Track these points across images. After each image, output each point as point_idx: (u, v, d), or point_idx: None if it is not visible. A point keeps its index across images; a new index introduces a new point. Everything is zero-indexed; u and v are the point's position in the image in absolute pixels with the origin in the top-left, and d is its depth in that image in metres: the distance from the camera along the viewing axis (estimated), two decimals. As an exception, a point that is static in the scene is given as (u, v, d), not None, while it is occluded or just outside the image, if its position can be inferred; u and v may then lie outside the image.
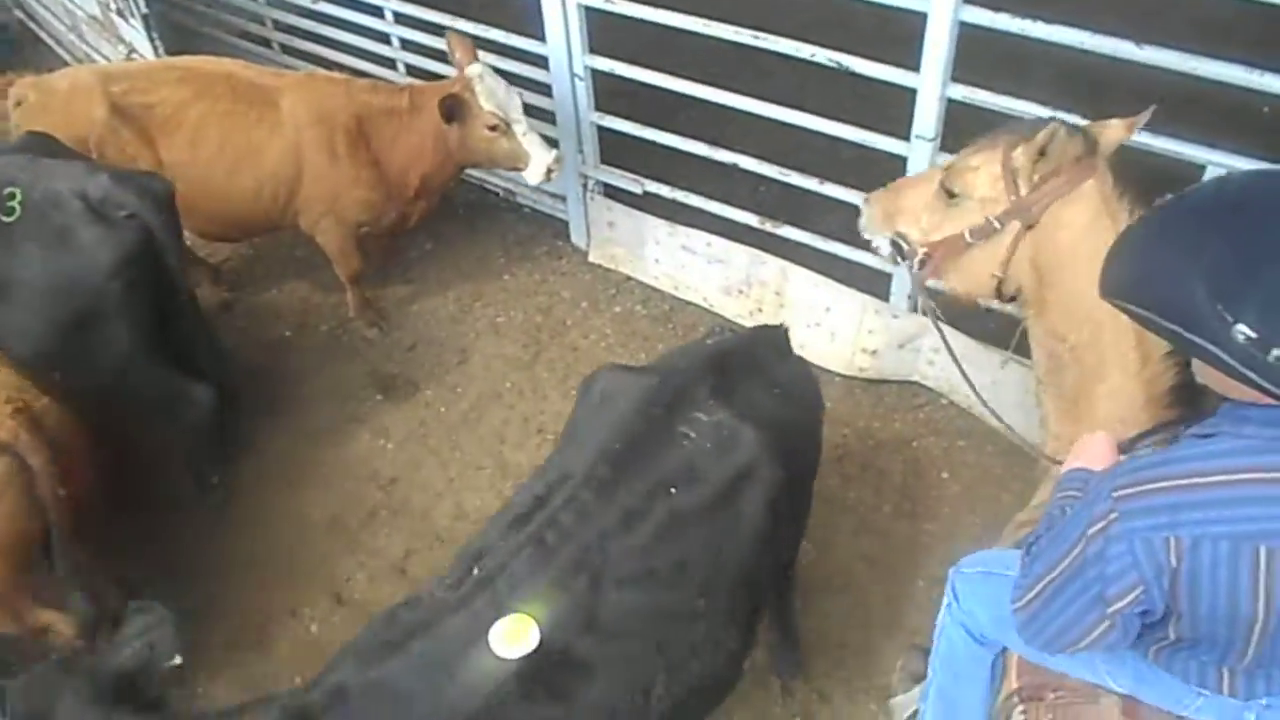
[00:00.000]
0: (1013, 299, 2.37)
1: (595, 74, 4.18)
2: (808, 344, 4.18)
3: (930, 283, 2.48)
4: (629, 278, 4.71)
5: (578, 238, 4.83)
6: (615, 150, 4.52)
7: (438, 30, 4.53)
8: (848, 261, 3.94)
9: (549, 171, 3.90)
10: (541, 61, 4.28)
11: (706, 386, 2.32)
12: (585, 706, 2.10)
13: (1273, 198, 1.37)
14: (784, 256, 4.17)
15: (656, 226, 4.46)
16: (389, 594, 3.61)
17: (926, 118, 3.32)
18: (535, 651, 2.01)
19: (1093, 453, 1.81)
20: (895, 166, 3.47)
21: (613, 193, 4.59)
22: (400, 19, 4.76)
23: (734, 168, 4.09)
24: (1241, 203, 1.39)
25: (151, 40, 4.66)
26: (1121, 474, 1.50)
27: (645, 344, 4.42)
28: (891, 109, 3.50)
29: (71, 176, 3.24)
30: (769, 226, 4.12)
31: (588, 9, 3.96)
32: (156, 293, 3.38)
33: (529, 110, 3.97)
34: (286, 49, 5.46)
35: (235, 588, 3.69)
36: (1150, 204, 1.71)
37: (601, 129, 4.39)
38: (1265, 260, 1.30)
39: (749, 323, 4.37)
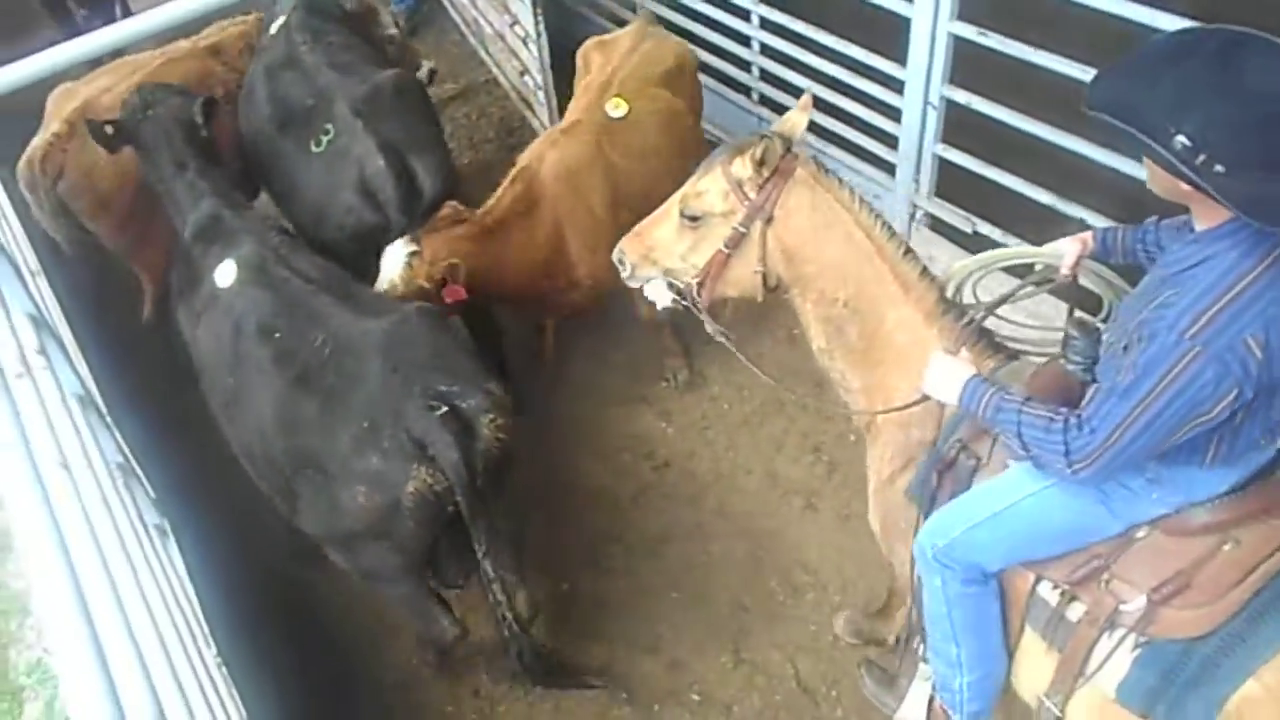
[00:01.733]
0: (776, 289, 2.65)
1: (948, 104, 4.07)
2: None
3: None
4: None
5: (893, 265, 4.73)
6: (948, 183, 4.38)
7: (798, 40, 4.60)
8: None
9: None
10: (896, 85, 4.23)
11: None
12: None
13: (1216, 47, 1.70)
14: (1115, 312, 3.88)
15: (980, 268, 4.28)
16: (645, 570, 3.77)
17: None
18: None
19: (945, 367, 2.23)
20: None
21: (939, 226, 4.45)
22: (765, 24, 4.85)
23: (1076, 221, 3.85)
24: (1193, 49, 1.73)
25: (535, 16, 5.03)
26: (1179, 318, 1.79)
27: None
28: None
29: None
30: (1103, 291, 3.85)
31: (957, 38, 3.86)
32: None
33: (870, 131, 3.92)
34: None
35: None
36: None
37: (943, 161, 4.27)
38: (1203, 92, 1.67)
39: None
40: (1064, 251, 2.39)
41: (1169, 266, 1.91)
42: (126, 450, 3.33)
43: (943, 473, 2.43)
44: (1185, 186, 1.75)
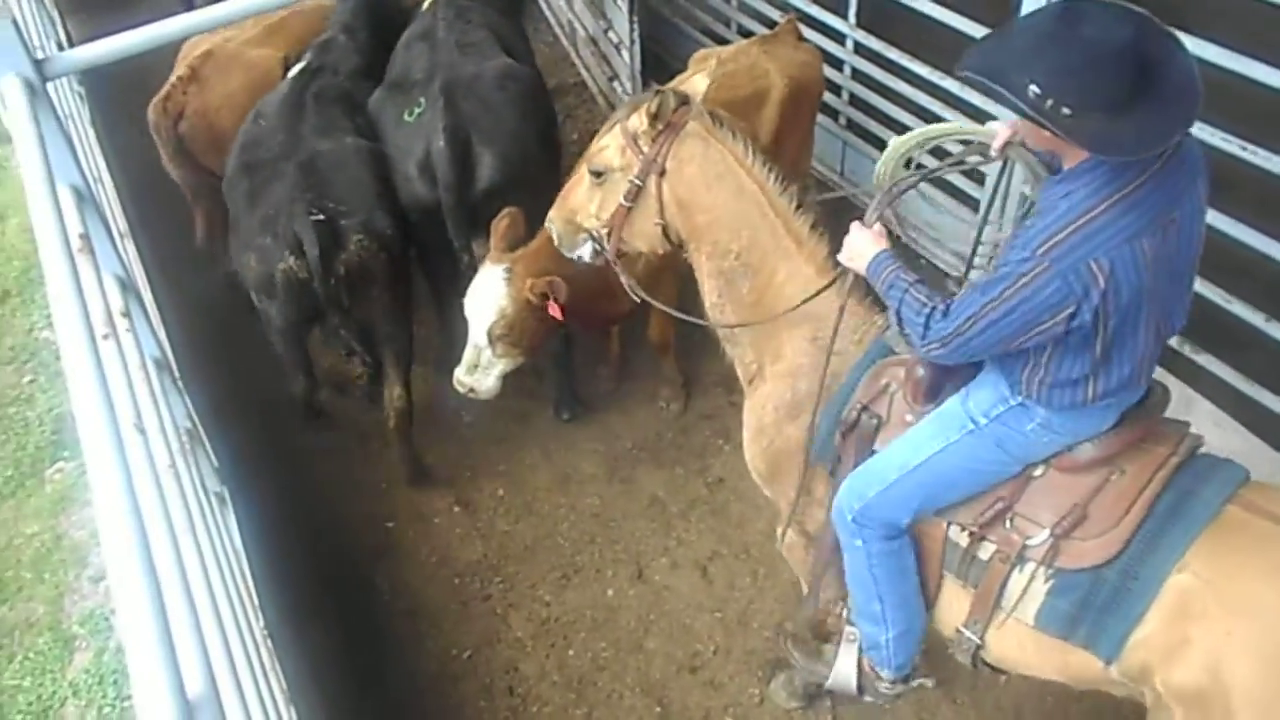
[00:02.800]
0: (681, 246, 2.75)
1: (1041, 145, 3.99)
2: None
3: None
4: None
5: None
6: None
7: (892, 68, 4.55)
8: (1269, 411, 3.50)
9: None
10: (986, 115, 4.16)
11: None
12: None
13: (1060, 9, 1.85)
14: (1190, 383, 3.77)
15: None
16: (689, 587, 3.75)
17: None
18: None
19: (862, 238, 2.37)
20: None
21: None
22: (859, 49, 4.82)
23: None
24: (1042, 12, 1.91)
25: (631, 23, 5.06)
26: (1034, 236, 1.95)
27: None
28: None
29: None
30: (1187, 349, 3.73)
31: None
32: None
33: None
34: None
35: (550, 521, 4.01)
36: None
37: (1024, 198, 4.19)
38: (1047, 45, 1.82)
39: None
40: (996, 131, 2.45)
41: (1041, 200, 2.06)
42: (194, 416, 3.40)
43: (846, 434, 2.58)
44: (1046, 134, 1.89)
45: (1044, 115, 1.82)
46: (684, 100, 2.63)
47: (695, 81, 2.74)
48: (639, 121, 2.61)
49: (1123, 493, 2.23)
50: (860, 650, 2.78)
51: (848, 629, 2.81)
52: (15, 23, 2.16)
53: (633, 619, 3.68)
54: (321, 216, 3.55)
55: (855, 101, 5.01)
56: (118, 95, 5.53)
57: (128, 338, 2.37)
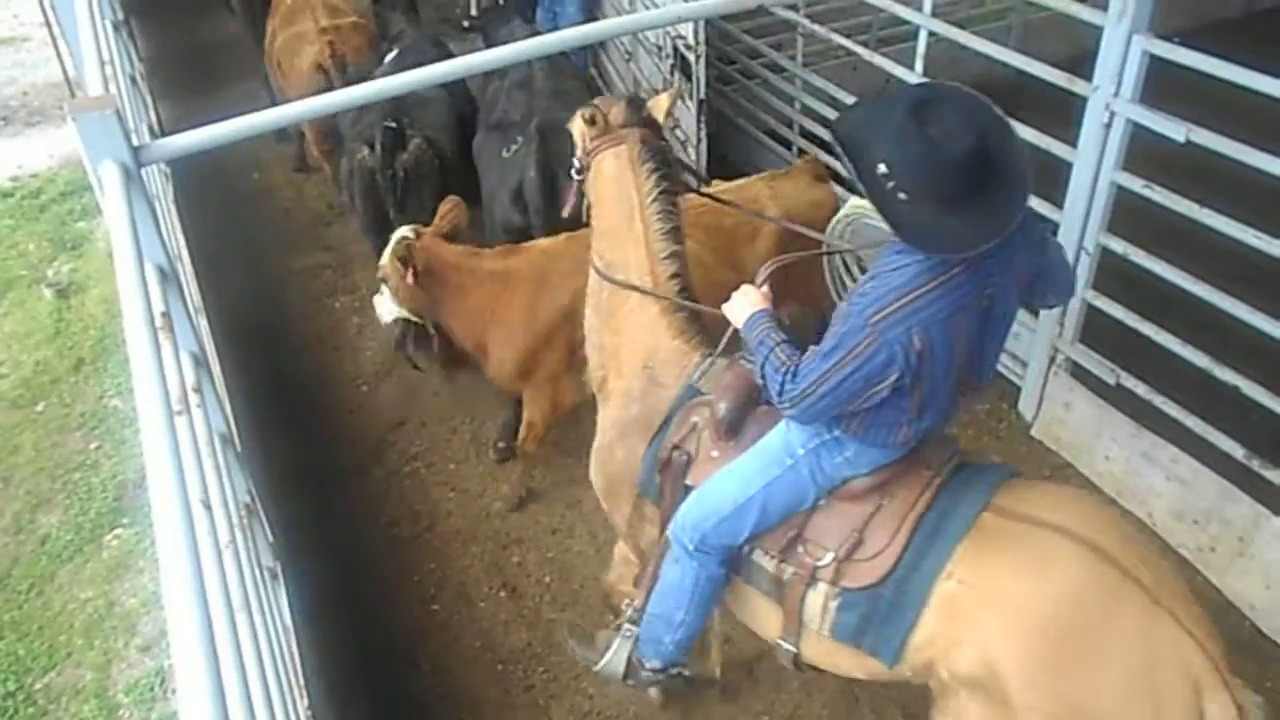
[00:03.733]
0: None
1: (1103, 251, 3.99)
2: (1261, 607, 3.63)
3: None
4: (1069, 464, 4.39)
5: (1026, 407, 4.61)
6: (1094, 330, 4.26)
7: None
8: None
9: None
10: (1049, 224, 4.17)
11: None
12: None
13: (916, 98, 2.06)
14: (1263, 502, 3.66)
15: (1119, 423, 4.12)
16: (736, 684, 3.67)
17: None
18: None
19: (747, 296, 2.56)
20: None
21: (1079, 373, 4.32)
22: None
23: (1230, 388, 3.68)
24: (900, 98, 2.09)
25: (699, 123, 5.23)
26: (870, 304, 2.18)
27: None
28: None
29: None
30: (1256, 465, 3.64)
31: (1119, 187, 3.79)
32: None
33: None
34: (804, 155, 5.84)
35: (596, 612, 3.96)
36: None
37: (1090, 307, 4.16)
38: (899, 137, 2.03)
39: (1195, 556, 3.89)
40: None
41: (880, 266, 2.24)
42: (253, 491, 3.46)
43: (663, 471, 2.84)
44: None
45: (882, 196, 2.08)
46: (637, 116, 2.96)
47: (661, 100, 3.08)
48: (581, 125, 3.02)
49: (892, 516, 2.50)
50: (635, 643, 3.00)
51: (628, 626, 3.03)
52: (118, 112, 2.29)
53: (679, 714, 3.60)
54: (394, 124, 4.66)
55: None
56: (194, 171, 5.81)
57: (198, 413, 2.43)
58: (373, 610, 4.01)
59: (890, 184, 2.05)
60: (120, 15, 5.93)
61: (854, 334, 2.20)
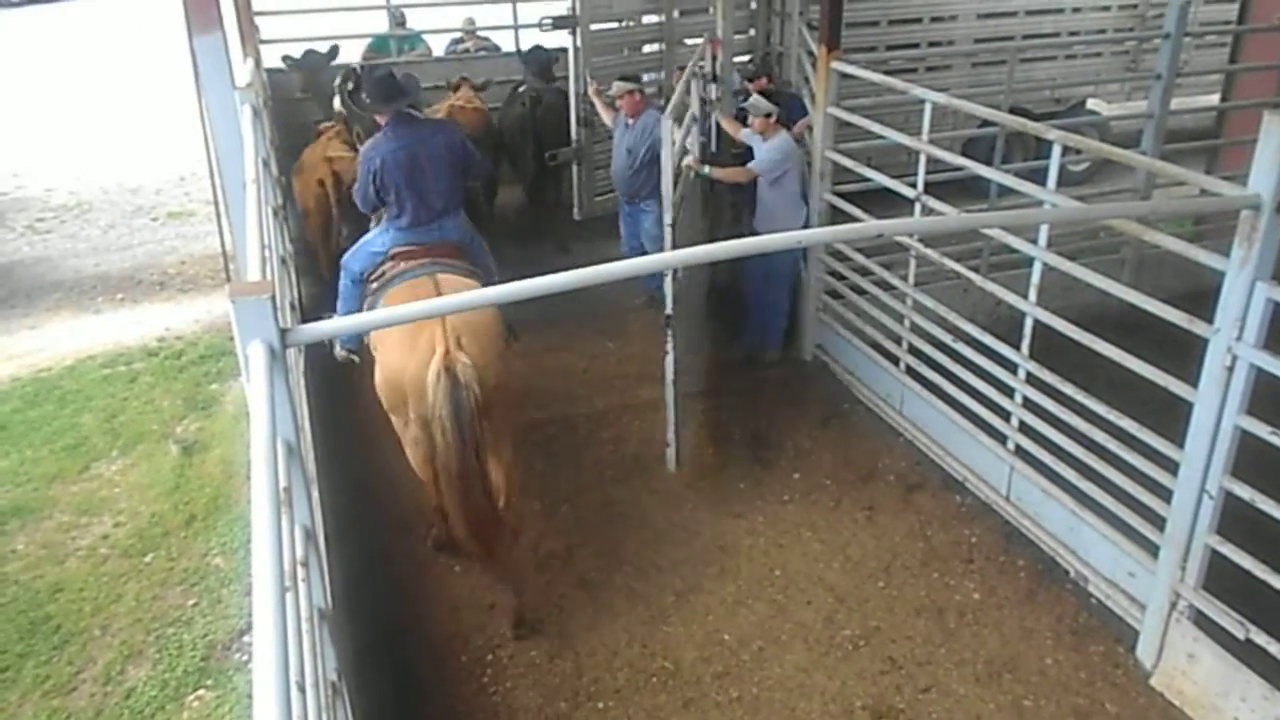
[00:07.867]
0: None
1: (1227, 495, 3.82)
2: None
3: None
4: (1193, 721, 4.06)
5: (1144, 654, 4.31)
6: (1219, 578, 4.02)
7: (1065, 401, 4.55)
8: None
9: None
10: (1169, 465, 4.04)
11: None
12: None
13: None
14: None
15: (1251, 683, 3.81)
16: None
17: None
18: None
19: None
20: None
21: (1204, 623, 4.05)
22: (1031, 379, 4.84)
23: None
24: None
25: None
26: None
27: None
28: None
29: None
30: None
31: (1244, 432, 3.67)
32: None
33: (1133, 505, 3.71)
34: (912, 371, 5.86)
35: None
36: None
37: (1214, 553, 3.95)
38: None
39: None
40: None
41: None
42: (340, 669, 3.45)
43: None
44: None
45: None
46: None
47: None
48: None
49: None
50: None
51: None
52: (273, 298, 2.48)
53: None
54: (535, 93, 8.06)
55: (1025, 429, 4.98)
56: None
57: (303, 587, 2.48)
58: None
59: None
60: (280, 200, 6.50)
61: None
